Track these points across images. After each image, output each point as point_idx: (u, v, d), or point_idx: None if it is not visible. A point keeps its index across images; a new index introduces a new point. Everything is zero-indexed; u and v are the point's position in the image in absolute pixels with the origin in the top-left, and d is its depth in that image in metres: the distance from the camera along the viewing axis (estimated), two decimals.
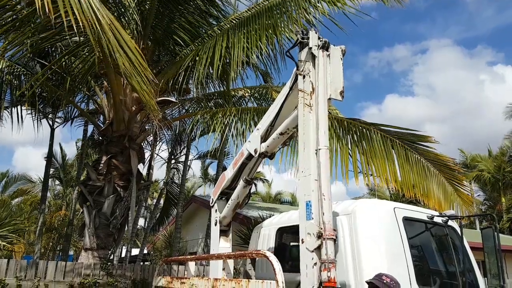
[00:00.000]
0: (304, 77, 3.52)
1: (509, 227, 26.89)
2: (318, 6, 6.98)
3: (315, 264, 2.93)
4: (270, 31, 7.14)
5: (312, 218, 3.05)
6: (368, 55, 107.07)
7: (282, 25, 7.17)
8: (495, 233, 3.96)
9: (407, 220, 3.85)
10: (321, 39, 3.55)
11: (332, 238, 2.97)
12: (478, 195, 31.84)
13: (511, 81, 75.73)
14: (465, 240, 4.19)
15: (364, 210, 3.85)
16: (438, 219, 4.15)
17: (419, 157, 7.24)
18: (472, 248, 4.39)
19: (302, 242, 3.08)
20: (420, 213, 4.19)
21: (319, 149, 3.22)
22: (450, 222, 4.20)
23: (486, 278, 4.17)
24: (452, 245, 4.09)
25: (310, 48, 3.51)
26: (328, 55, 3.53)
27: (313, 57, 3.50)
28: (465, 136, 65.03)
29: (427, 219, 4.10)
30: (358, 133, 7.22)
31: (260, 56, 8.29)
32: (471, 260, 4.27)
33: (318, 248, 2.96)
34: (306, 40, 3.57)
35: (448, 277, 4.06)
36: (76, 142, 23.19)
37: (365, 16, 7.09)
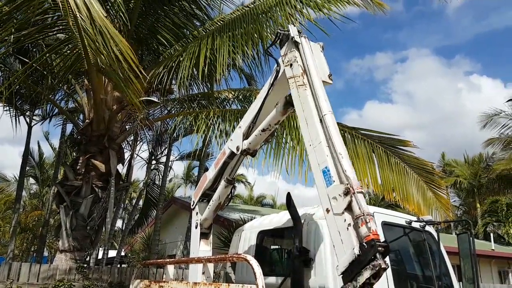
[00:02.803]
0: (291, 65, 3.56)
1: (484, 233, 27.60)
2: (304, 12, 7.06)
3: (349, 224, 2.65)
4: (255, 35, 7.17)
5: (334, 181, 2.86)
6: (351, 62, 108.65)
7: (268, 30, 7.22)
8: (471, 238, 4.06)
9: (386, 225, 3.90)
10: (300, 32, 3.65)
11: (361, 192, 2.75)
12: (454, 201, 32.65)
13: (486, 91, 78.17)
14: (441, 245, 4.27)
15: None
16: (415, 224, 4.23)
17: (399, 161, 7.37)
18: (448, 253, 4.48)
19: (328, 212, 2.84)
20: (398, 218, 4.26)
21: (324, 115, 3.13)
22: (427, 228, 4.28)
23: (461, 282, 4.27)
24: (429, 250, 4.18)
25: (292, 38, 3.59)
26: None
27: (297, 45, 3.58)
28: (443, 143, 66.62)
29: (405, 224, 4.17)
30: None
31: (245, 59, 8.30)
32: (447, 264, 4.36)
33: (349, 207, 2.70)
34: (286, 32, 3.67)
35: (425, 281, 4.14)
36: (47, 141, 22.64)
37: (348, 24, 7.21)
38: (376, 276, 2.44)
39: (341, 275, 2.59)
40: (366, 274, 2.42)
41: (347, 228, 2.64)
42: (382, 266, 2.40)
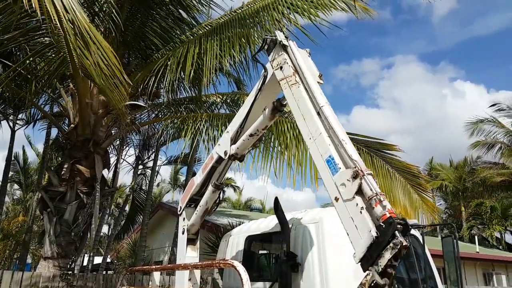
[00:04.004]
0: (281, 68, 3.58)
1: (469, 235, 28.05)
2: (291, 18, 7.13)
3: (362, 208, 2.53)
4: (243, 40, 7.22)
5: (340, 168, 2.78)
6: (338, 68, 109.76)
7: (256, 35, 7.27)
8: (455, 242, 4.12)
9: None
10: (287, 37, 3.69)
11: (370, 173, 2.65)
12: (439, 204, 33.14)
13: (470, 97, 79.79)
14: (426, 249, 4.32)
15: (330, 218, 3.90)
16: None
17: (384, 165, 7.45)
18: (432, 255, 4.54)
19: (337, 200, 2.73)
20: None
21: (321, 106, 3.11)
22: (412, 231, 4.32)
23: (446, 285, 4.32)
24: (415, 253, 4.22)
25: (280, 42, 3.64)
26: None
27: (285, 48, 3.62)
28: (429, 147, 67.67)
29: None
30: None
31: (233, 63, 8.32)
32: (432, 267, 4.42)
33: (359, 191, 2.60)
34: (274, 37, 3.71)
35: (410, 284, 4.17)
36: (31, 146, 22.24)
37: (336, 31, 7.31)
38: (398, 256, 2.31)
39: (360, 263, 2.44)
40: (388, 255, 2.30)
41: (360, 212, 2.53)
42: (404, 244, 2.28)
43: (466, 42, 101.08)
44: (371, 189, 2.55)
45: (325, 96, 3.20)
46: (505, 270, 18.30)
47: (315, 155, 3.05)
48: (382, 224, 2.38)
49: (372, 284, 2.31)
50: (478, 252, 17.88)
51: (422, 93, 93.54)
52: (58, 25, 4.53)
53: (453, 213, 33.15)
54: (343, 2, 7.10)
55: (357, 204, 2.57)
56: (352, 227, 2.57)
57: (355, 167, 2.67)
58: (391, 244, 2.29)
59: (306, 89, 3.31)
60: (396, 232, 2.31)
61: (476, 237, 21.60)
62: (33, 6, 4.31)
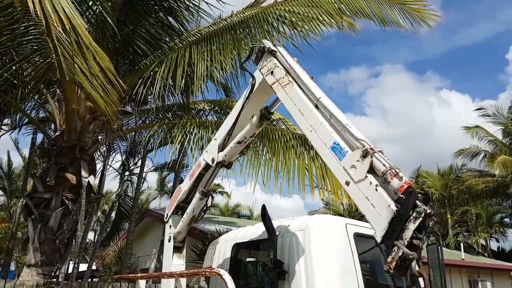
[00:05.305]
0: (272, 72, 3.62)
1: (455, 242, 28.35)
2: (281, 31, 7.29)
3: (377, 185, 2.43)
4: (234, 51, 7.34)
5: (347, 152, 2.71)
6: (327, 76, 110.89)
7: (246, 47, 7.39)
8: (440, 249, 4.17)
9: (358, 236, 3.97)
10: (275, 45, 3.77)
11: (380, 150, 2.57)
12: None
13: (456, 106, 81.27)
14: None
15: (317, 226, 3.93)
16: None
17: None
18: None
19: (348, 184, 2.64)
20: (370, 229, 4.32)
21: (319, 98, 3.11)
22: None
23: None
24: None
25: (268, 48, 3.70)
26: None
27: (274, 53, 3.68)
28: (416, 155, 68.49)
29: None
30: (315, 149, 7.39)
31: (222, 72, 8.37)
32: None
33: (371, 169, 2.51)
34: (261, 45, 3.79)
35: None
36: (17, 150, 21.88)
37: (325, 40, 7.52)
38: (422, 227, 2.20)
39: (382, 241, 2.31)
40: (412, 226, 2.18)
41: (376, 189, 2.42)
42: (428, 212, 2.17)
43: (451, 51, 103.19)
44: (383, 165, 2.46)
45: (319, 89, 3.21)
46: (490, 277, 18.49)
47: (319, 145, 2.98)
48: (402, 195, 2.27)
49: (401, 260, 2.15)
50: (463, 259, 18.05)
51: (409, 102, 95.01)
52: (60, 30, 4.51)
53: (440, 221, 33.50)
54: (329, 18, 7.34)
55: (371, 183, 2.47)
56: (369, 207, 2.45)
57: (363, 147, 2.59)
58: (414, 214, 2.19)
59: (300, 86, 3.34)
60: (417, 201, 2.22)
61: (461, 244, 21.82)
62: (37, 11, 4.29)
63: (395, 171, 2.39)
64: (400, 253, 2.15)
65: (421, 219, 2.17)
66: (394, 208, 2.26)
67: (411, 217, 2.19)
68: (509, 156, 24.83)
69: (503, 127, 26.67)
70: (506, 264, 20.99)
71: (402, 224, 2.21)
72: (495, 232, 29.51)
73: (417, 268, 2.15)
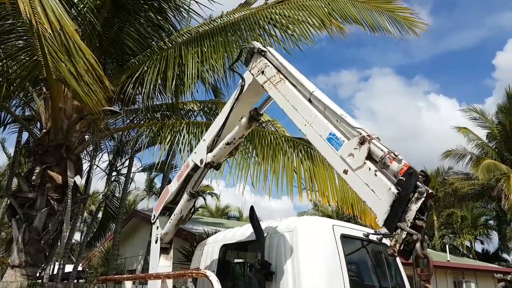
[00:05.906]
0: (263, 72, 3.63)
1: (441, 244, 28.72)
2: (272, 34, 7.34)
3: (376, 170, 2.42)
4: (225, 54, 7.37)
5: (343, 141, 2.71)
6: (317, 79, 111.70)
7: (238, 50, 7.44)
8: None
9: (344, 238, 4.00)
10: (264, 45, 3.79)
11: (377, 137, 2.56)
12: None
13: (443, 110, 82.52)
14: (397, 257, 4.41)
15: (305, 227, 3.95)
16: (373, 237, 4.35)
17: None
18: (403, 264, 4.63)
19: (346, 173, 2.62)
20: (357, 230, 4.37)
21: (312, 92, 3.12)
22: (384, 240, 4.41)
23: None
24: (386, 261, 4.31)
25: (258, 49, 3.71)
26: None
27: (264, 54, 3.70)
28: (404, 158, 69.02)
29: (363, 236, 4.28)
30: (303, 151, 7.44)
31: (212, 73, 8.37)
32: (403, 275, 4.52)
33: (369, 156, 2.50)
34: (251, 46, 3.79)
35: None
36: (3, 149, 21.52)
37: (316, 43, 7.62)
38: (424, 208, 2.20)
39: (384, 225, 2.28)
40: (414, 207, 2.17)
41: (375, 174, 2.41)
42: (429, 192, 2.17)
43: (440, 56, 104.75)
44: (381, 150, 2.46)
45: (311, 83, 3.22)
46: (474, 278, 18.78)
47: (315, 138, 2.97)
48: (402, 177, 2.27)
49: (404, 242, 2.14)
50: (449, 260, 18.31)
51: (397, 106, 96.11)
52: (34, 28, 4.45)
53: (426, 223, 33.88)
54: (320, 22, 7.42)
55: (369, 169, 2.46)
56: (369, 193, 2.43)
57: (360, 134, 2.60)
58: (416, 195, 2.18)
59: (292, 83, 3.34)
60: (418, 182, 2.22)
61: (447, 246, 22.11)
62: (25, 10, 4.23)
63: (394, 154, 2.40)
64: (404, 235, 2.14)
65: (423, 199, 2.17)
66: (395, 191, 2.26)
67: (413, 198, 2.19)
68: (494, 160, 25.28)
69: (489, 131, 27.18)
70: (490, 266, 21.37)
71: (404, 206, 2.20)
72: (479, 234, 30.00)
73: (421, 250, 2.14)
